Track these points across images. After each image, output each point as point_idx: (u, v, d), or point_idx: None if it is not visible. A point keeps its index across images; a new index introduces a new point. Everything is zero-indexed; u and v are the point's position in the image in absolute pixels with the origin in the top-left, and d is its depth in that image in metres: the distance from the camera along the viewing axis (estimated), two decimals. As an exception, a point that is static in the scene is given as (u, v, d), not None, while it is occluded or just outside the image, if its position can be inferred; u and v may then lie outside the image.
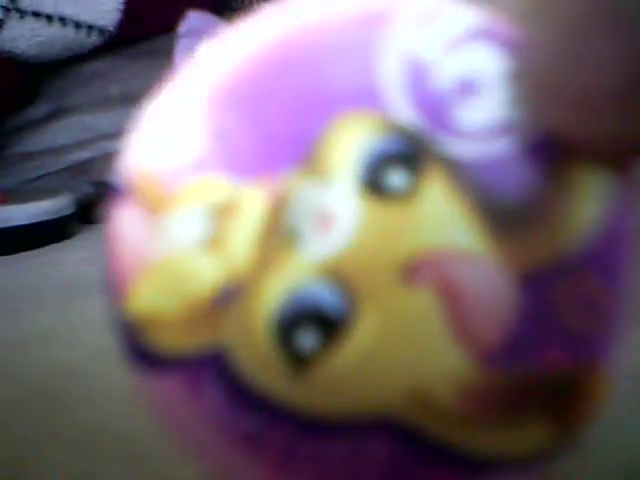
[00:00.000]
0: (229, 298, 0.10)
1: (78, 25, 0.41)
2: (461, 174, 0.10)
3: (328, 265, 0.10)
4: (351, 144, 0.10)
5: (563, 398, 0.10)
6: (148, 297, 0.11)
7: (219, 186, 0.10)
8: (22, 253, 0.36)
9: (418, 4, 0.10)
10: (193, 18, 0.35)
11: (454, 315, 0.10)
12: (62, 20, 0.41)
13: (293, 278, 0.10)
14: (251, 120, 0.10)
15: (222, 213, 0.10)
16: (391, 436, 0.10)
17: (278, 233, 0.10)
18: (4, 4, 0.39)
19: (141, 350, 0.11)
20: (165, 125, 0.11)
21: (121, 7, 0.42)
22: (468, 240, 0.10)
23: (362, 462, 0.10)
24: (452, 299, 0.10)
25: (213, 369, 0.10)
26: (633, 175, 0.10)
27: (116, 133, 0.45)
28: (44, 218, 0.37)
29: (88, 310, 0.27)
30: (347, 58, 0.10)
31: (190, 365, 0.10)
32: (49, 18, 0.40)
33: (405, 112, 0.10)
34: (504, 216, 0.10)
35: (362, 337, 0.10)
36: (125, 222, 0.11)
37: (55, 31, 0.41)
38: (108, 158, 0.43)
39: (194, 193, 0.10)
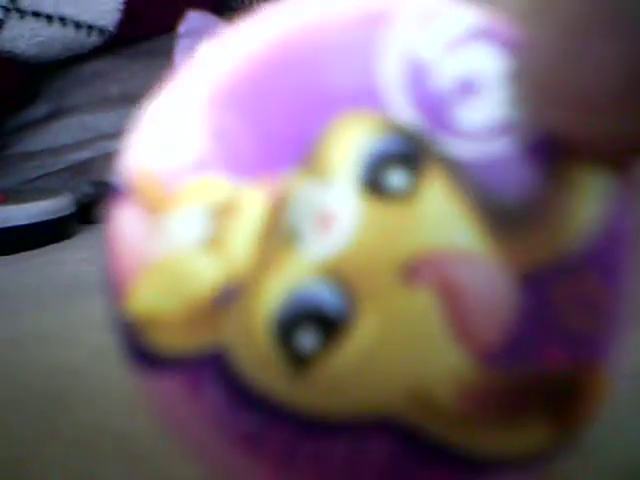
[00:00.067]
0: (229, 298, 0.10)
1: (78, 25, 0.41)
2: (461, 174, 0.10)
3: (328, 265, 0.10)
4: (351, 144, 0.10)
5: (563, 398, 0.10)
6: (148, 297, 0.11)
7: (219, 186, 0.10)
8: (22, 253, 0.36)
9: (418, 4, 0.10)
10: (193, 18, 0.35)
11: (454, 315, 0.10)
12: (62, 20, 0.41)
13: (293, 278, 0.10)
14: (251, 120, 0.10)
15: (222, 213, 0.10)
16: (391, 436, 0.10)
17: (278, 233, 0.10)
18: (4, 4, 0.39)
19: (141, 350, 0.11)
20: (165, 125, 0.11)
21: (121, 7, 0.42)
22: (468, 240, 0.10)
23: (362, 462, 0.10)
24: (452, 299, 0.10)
25: (213, 369, 0.10)
26: (633, 175, 0.10)
27: (116, 133, 0.45)
28: (44, 218, 0.37)
29: (88, 310, 0.27)
30: (347, 58, 0.10)
31: (190, 365, 0.10)
32: (49, 18, 0.40)
33: (405, 112, 0.10)
34: (504, 216, 0.10)
35: (362, 337, 0.10)
36: (125, 222, 0.11)
37: (55, 31, 0.41)
38: (108, 158, 0.43)
39: (194, 193, 0.10)
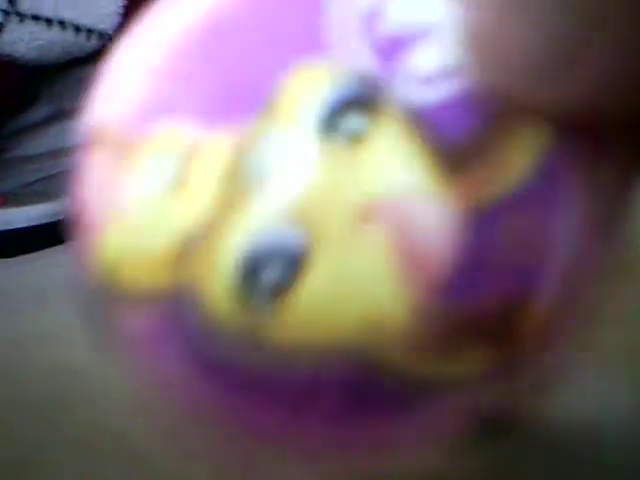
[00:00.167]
0: (196, 240, 0.11)
1: (77, 29, 0.41)
2: (412, 117, 0.10)
3: (288, 207, 0.10)
4: (309, 91, 0.10)
5: (502, 326, 0.11)
6: (117, 242, 0.11)
7: (183, 132, 0.11)
8: (23, 255, 0.36)
9: None
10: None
11: (403, 251, 0.10)
12: (61, 24, 0.41)
13: (257, 220, 0.10)
14: (213, 68, 0.11)
15: (187, 159, 0.10)
16: (346, 366, 0.11)
17: (241, 177, 0.10)
18: (4, 7, 0.39)
19: (112, 293, 0.11)
20: (128, 73, 0.11)
21: (121, 11, 0.42)
22: (417, 180, 0.10)
23: (318, 392, 0.11)
24: (401, 237, 0.10)
25: (183, 306, 0.11)
26: (572, 127, 0.10)
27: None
28: (44, 221, 0.37)
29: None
30: (300, 8, 0.10)
31: (161, 303, 0.11)
32: (48, 22, 0.40)
33: (357, 58, 0.10)
34: (450, 156, 0.10)
35: (320, 273, 0.10)
36: (91, 170, 0.11)
37: (54, 35, 0.41)
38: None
39: (159, 139, 0.11)
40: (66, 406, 0.20)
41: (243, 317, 0.11)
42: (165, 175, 0.11)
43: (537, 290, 0.11)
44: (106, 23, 0.42)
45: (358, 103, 0.10)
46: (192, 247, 0.11)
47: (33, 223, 0.37)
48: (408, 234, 0.10)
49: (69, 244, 0.12)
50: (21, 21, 0.40)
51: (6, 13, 0.39)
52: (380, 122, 0.10)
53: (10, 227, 0.36)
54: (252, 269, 0.10)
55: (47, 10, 0.40)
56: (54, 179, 0.44)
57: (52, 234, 0.38)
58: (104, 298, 0.11)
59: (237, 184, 0.10)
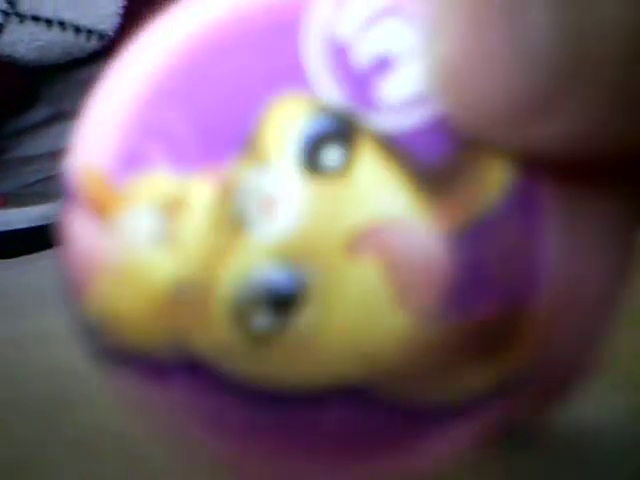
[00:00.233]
0: (186, 290, 0.11)
1: (77, 29, 0.42)
2: (387, 146, 0.10)
3: (276, 247, 0.10)
4: (286, 127, 0.10)
5: (498, 344, 0.11)
6: (106, 297, 0.11)
7: (164, 181, 0.11)
8: (23, 256, 0.36)
9: None
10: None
11: (394, 280, 0.10)
12: (61, 24, 0.41)
13: (245, 263, 0.10)
14: (187, 112, 0.11)
15: (170, 207, 0.10)
16: (347, 401, 0.11)
17: (226, 221, 0.10)
18: (3, 8, 0.39)
19: (106, 348, 0.11)
20: (102, 124, 0.11)
21: (120, 11, 0.42)
22: (400, 207, 0.10)
23: (321, 428, 0.11)
24: (392, 265, 0.10)
25: (177, 359, 0.11)
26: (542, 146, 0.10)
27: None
28: (44, 222, 0.37)
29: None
30: (272, 43, 0.11)
31: (154, 357, 0.11)
32: (48, 22, 0.40)
33: (332, 92, 0.10)
34: (428, 181, 0.10)
35: (313, 312, 0.10)
36: (75, 224, 0.11)
37: (54, 35, 0.41)
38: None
39: (140, 191, 0.11)
40: (66, 406, 0.20)
41: (237, 365, 0.11)
42: (150, 227, 0.11)
43: (531, 304, 0.11)
44: (106, 24, 0.42)
45: (334, 137, 0.10)
46: (182, 298, 0.10)
47: (33, 224, 0.37)
48: (398, 261, 0.10)
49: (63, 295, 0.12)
50: (21, 22, 0.40)
51: (6, 14, 0.39)
52: (358, 153, 0.10)
53: (10, 228, 0.36)
54: (243, 315, 0.10)
55: (47, 11, 0.40)
56: (54, 180, 0.44)
57: (52, 235, 0.38)
58: (100, 352, 0.11)
59: (223, 229, 0.10)
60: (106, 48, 0.43)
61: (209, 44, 0.11)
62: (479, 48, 0.09)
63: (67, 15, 0.41)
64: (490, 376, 0.11)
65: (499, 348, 0.11)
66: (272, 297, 0.10)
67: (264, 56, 0.10)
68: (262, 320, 0.10)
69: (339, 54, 0.10)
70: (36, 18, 0.40)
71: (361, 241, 0.10)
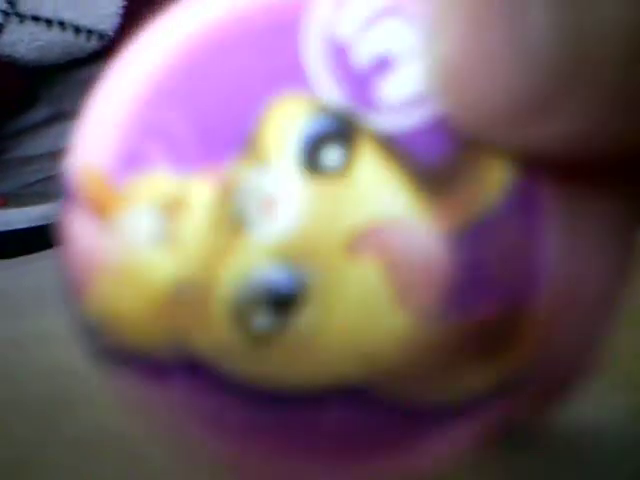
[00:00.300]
0: (186, 290, 0.11)
1: (77, 29, 0.42)
2: (387, 146, 0.10)
3: (276, 247, 0.10)
4: (286, 127, 0.10)
5: (498, 344, 0.11)
6: (107, 297, 0.11)
7: (165, 181, 0.11)
8: (23, 256, 0.36)
9: None
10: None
11: (394, 279, 0.10)
12: (61, 24, 0.41)
13: (245, 263, 0.10)
14: (187, 112, 0.11)
15: (170, 208, 0.10)
16: (347, 401, 0.11)
17: (227, 221, 0.10)
18: (3, 8, 0.39)
19: (106, 348, 0.11)
20: (102, 124, 0.11)
21: (120, 11, 0.42)
22: (400, 207, 0.10)
23: (322, 428, 0.11)
24: (392, 264, 0.10)
25: (177, 359, 0.11)
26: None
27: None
28: (44, 222, 0.37)
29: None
30: (272, 43, 0.10)
31: (155, 357, 0.11)
32: (48, 22, 0.40)
33: (332, 92, 0.10)
34: (428, 181, 0.10)
35: (313, 311, 0.10)
36: (76, 224, 0.11)
37: (54, 35, 0.41)
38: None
39: (140, 190, 0.11)
40: (66, 406, 0.20)
41: (238, 365, 0.11)
42: (150, 227, 0.11)
43: (531, 304, 0.11)
44: (106, 24, 0.42)
45: (334, 137, 0.10)
46: (182, 298, 0.10)
47: (33, 224, 0.37)
48: (396, 262, 0.10)
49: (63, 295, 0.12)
50: (21, 22, 0.40)
51: (6, 14, 0.39)
52: (358, 153, 0.10)
53: (10, 228, 0.36)
54: (243, 315, 0.10)
55: (47, 11, 0.40)
56: (54, 180, 0.44)
57: (52, 235, 0.38)
58: (100, 352, 0.11)
59: (223, 229, 0.10)
60: (106, 48, 0.43)
61: (209, 44, 0.11)
62: (479, 48, 0.09)
63: (67, 15, 0.41)
64: (490, 376, 0.11)
65: (499, 348, 0.11)
66: (272, 297, 0.10)
67: (264, 56, 0.10)
68: (262, 320, 0.10)
69: (339, 54, 0.10)
70: (36, 18, 0.40)
71: (361, 241, 0.10)
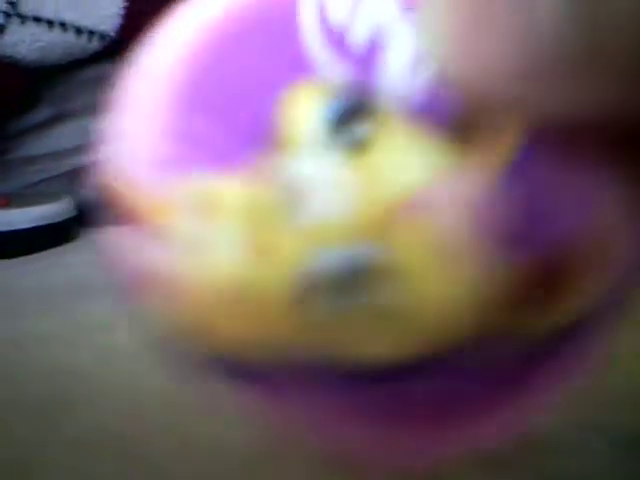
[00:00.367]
0: (248, 290, 0.10)
1: (79, 30, 0.42)
2: (405, 109, 0.10)
3: (330, 229, 0.10)
4: (307, 113, 0.10)
5: (560, 283, 0.11)
6: (169, 309, 0.11)
7: (200, 183, 0.10)
8: (25, 256, 0.36)
9: None
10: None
11: (454, 236, 0.10)
12: (63, 25, 0.41)
13: (302, 252, 0.10)
14: (210, 113, 0.11)
15: (208, 210, 0.10)
16: (437, 368, 0.11)
17: (270, 215, 0.10)
18: (5, 9, 0.39)
19: (198, 359, 0.11)
20: (131, 136, 0.11)
21: (122, 12, 0.42)
22: (436, 163, 0.10)
23: (416, 396, 0.11)
24: (446, 223, 0.10)
25: (273, 362, 0.11)
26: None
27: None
28: (46, 222, 0.37)
29: (89, 312, 0.27)
30: (277, 38, 0.11)
31: (251, 362, 0.11)
32: (50, 23, 0.40)
33: (338, 72, 0.11)
34: (453, 134, 0.10)
35: (387, 286, 0.10)
36: (121, 239, 0.11)
37: (56, 36, 0.41)
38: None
39: (179, 195, 0.10)
40: (66, 406, 0.20)
41: (330, 347, 0.10)
42: (193, 231, 0.10)
43: (581, 240, 0.11)
44: (107, 24, 0.42)
45: (355, 112, 0.10)
46: (247, 296, 0.10)
47: (35, 224, 0.37)
48: (452, 216, 0.10)
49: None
50: (22, 23, 0.40)
51: (7, 15, 0.39)
52: (381, 123, 0.10)
53: (12, 228, 0.36)
54: (315, 300, 0.10)
55: (48, 12, 0.40)
56: (56, 180, 0.44)
57: (54, 235, 0.38)
58: (190, 361, 0.11)
59: (269, 222, 0.10)
60: (107, 49, 0.43)
61: (217, 46, 0.11)
62: (488, 37, 0.09)
63: (68, 16, 0.41)
64: (556, 317, 0.11)
65: (561, 287, 0.11)
66: (342, 278, 0.10)
67: (272, 51, 0.11)
68: (338, 301, 0.10)
69: (338, 37, 0.10)
70: (37, 19, 0.40)
71: (410, 206, 0.10)
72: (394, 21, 0.10)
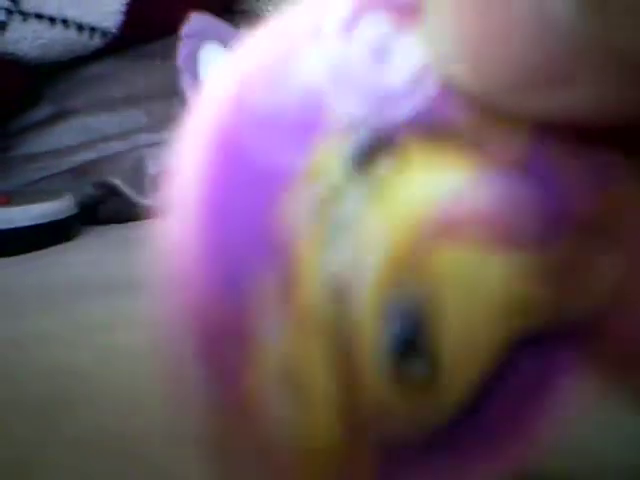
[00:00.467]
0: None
1: (81, 27, 0.42)
2: (419, 127, 0.10)
3: (384, 262, 0.10)
4: (334, 160, 0.10)
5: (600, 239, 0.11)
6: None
7: None
8: (25, 254, 0.36)
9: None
10: (196, 20, 0.35)
11: (490, 239, 0.10)
12: (65, 22, 0.41)
13: (361, 296, 0.10)
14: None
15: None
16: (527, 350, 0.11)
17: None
18: (7, 6, 0.39)
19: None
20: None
21: (124, 9, 0.42)
22: (456, 176, 0.10)
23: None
24: (479, 232, 0.10)
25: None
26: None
27: (118, 135, 0.45)
28: (47, 220, 0.37)
29: (90, 311, 0.27)
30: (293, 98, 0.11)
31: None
32: (52, 20, 0.40)
33: (350, 110, 0.10)
34: (463, 141, 0.10)
35: (443, 324, 0.10)
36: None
37: (58, 33, 0.41)
38: (111, 160, 0.43)
39: None
40: (66, 406, 0.20)
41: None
42: None
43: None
44: (109, 21, 0.42)
45: (375, 149, 0.10)
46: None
47: (36, 222, 0.37)
48: (484, 223, 0.10)
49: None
50: (24, 20, 0.40)
51: (9, 12, 0.39)
52: (401, 150, 0.10)
53: (13, 225, 0.36)
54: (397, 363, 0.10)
55: (50, 9, 0.40)
56: (58, 177, 0.44)
57: (55, 233, 0.38)
58: None
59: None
60: (109, 46, 0.43)
61: (234, 132, 0.11)
62: (493, 19, 0.09)
63: (70, 13, 0.41)
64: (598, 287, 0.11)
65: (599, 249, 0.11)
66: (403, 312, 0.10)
67: (287, 106, 0.10)
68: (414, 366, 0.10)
69: (344, 75, 0.10)
70: (39, 16, 0.40)
71: (442, 227, 0.10)
72: (391, 42, 0.10)
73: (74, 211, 0.39)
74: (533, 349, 0.11)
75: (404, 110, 0.10)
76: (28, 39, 0.40)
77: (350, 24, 0.10)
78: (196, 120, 0.11)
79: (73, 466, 0.18)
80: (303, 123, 0.10)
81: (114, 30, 0.43)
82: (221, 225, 0.10)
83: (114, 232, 0.40)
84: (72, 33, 0.41)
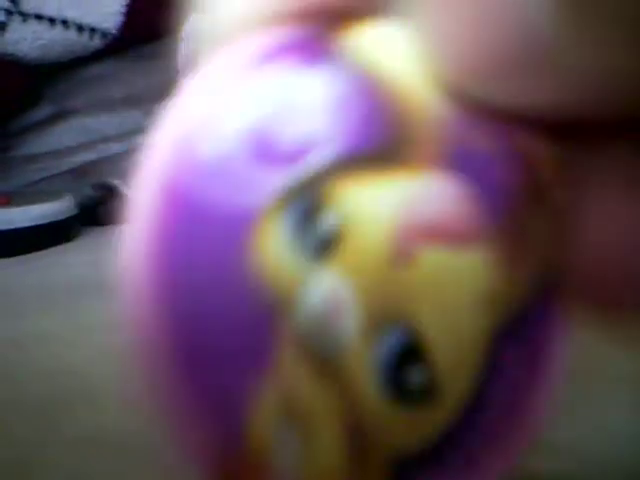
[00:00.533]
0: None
1: (81, 28, 0.42)
2: (351, 169, 0.10)
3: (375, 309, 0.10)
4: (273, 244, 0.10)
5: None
6: None
7: None
8: (25, 255, 0.36)
9: None
10: (196, 20, 0.35)
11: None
12: (64, 23, 0.41)
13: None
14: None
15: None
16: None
17: (317, 358, 0.10)
18: (6, 7, 0.39)
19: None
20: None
21: (123, 10, 0.42)
22: (407, 191, 0.10)
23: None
24: (446, 234, 0.10)
25: None
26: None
27: (118, 136, 0.45)
28: (47, 220, 0.37)
29: (90, 311, 0.27)
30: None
31: None
32: (52, 21, 0.40)
33: (280, 181, 0.10)
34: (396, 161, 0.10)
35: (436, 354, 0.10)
36: None
37: (57, 34, 0.41)
38: (110, 160, 0.43)
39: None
40: (66, 406, 0.20)
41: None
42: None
43: None
44: (109, 22, 0.42)
45: (313, 210, 0.10)
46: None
47: (36, 222, 0.37)
48: (452, 225, 0.10)
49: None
50: (24, 20, 0.40)
51: (9, 12, 0.39)
52: (331, 191, 0.10)
53: (13, 226, 0.36)
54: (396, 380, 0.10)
55: (50, 9, 0.40)
56: (58, 178, 0.44)
57: (55, 234, 0.38)
58: None
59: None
60: (109, 46, 0.43)
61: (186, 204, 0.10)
62: (472, 6, 0.09)
63: (70, 14, 0.41)
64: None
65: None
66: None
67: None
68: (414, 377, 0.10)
69: (266, 149, 0.10)
70: (39, 17, 0.40)
71: (406, 236, 0.10)
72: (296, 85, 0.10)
73: (74, 212, 0.39)
74: (515, 334, 0.11)
75: (324, 155, 0.10)
76: (28, 40, 0.40)
77: (261, 65, 0.11)
78: (145, 170, 0.11)
79: (73, 466, 0.18)
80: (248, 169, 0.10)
81: (114, 31, 0.43)
82: (186, 279, 0.10)
83: (114, 233, 0.40)
84: (72, 34, 0.41)
